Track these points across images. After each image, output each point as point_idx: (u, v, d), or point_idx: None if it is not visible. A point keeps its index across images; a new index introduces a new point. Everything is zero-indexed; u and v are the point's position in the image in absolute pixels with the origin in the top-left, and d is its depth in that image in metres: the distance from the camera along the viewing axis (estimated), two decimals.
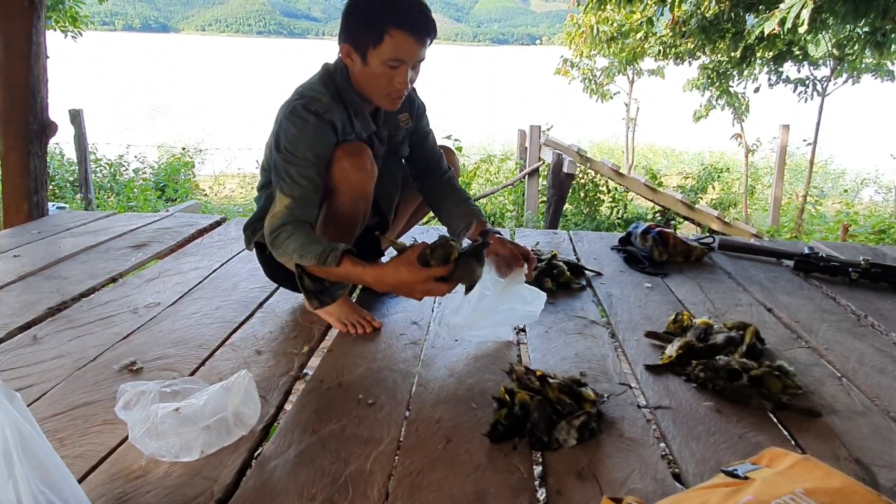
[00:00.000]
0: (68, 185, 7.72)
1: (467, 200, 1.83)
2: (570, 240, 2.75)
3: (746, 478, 0.86)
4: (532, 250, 2.29)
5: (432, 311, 1.90)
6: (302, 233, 1.51)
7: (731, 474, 0.89)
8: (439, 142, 1.94)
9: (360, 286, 2.09)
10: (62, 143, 7.78)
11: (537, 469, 1.17)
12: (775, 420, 1.33)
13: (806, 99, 7.53)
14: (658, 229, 2.46)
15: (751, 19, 6.13)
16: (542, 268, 2.09)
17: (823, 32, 6.28)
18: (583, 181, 8.05)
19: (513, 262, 1.63)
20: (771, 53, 7.12)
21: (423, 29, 1.52)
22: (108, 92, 23.60)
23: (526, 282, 1.63)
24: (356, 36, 1.53)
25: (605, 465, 1.16)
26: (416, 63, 1.56)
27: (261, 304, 1.92)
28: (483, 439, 1.22)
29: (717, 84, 7.85)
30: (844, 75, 7.35)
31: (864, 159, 11.63)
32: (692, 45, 7.19)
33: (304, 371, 1.54)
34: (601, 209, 8.17)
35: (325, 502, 1.05)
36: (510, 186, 7.75)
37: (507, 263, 1.64)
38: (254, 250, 1.87)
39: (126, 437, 1.18)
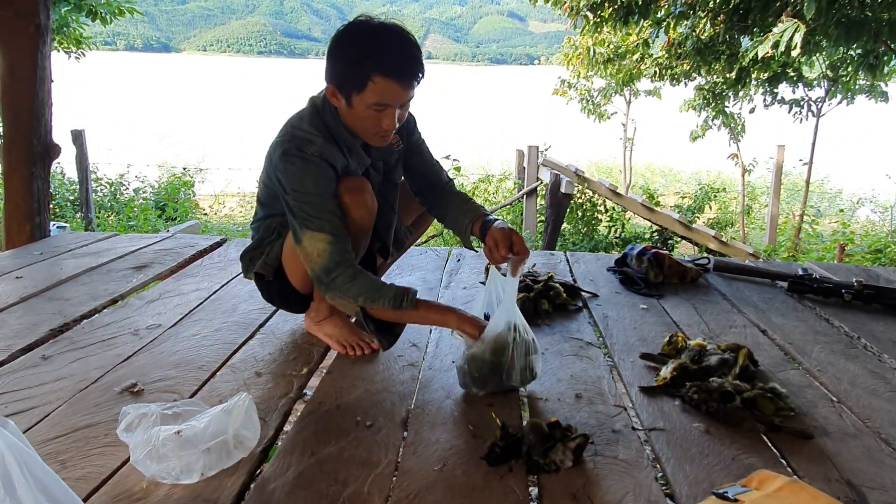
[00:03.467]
0: (69, 204, 7.76)
1: (469, 201, 1.79)
2: (567, 261, 2.77)
3: (736, 500, 0.89)
4: (528, 272, 2.33)
5: (430, 332, 1.92)
6: (362, 276, 1.53)
7: (722, 497, 0.92)
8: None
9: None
10: (63, 162, 7.83)
11: (533, 491, 1.18)
12: (768, 442, 1.35)
13: (801, 119, 7.61)
14: (654, 251, 2.49)
15: (745, 41, 6.21)
16: (539, 289, 2.11)
17: (817, 55, 6.36)
18: (580, 201, 8.10)
19: (502, 245, 1.57)
20: (766, 75, 7.20)
21: (409, 73, 1.47)
22: (110, 111, 23.76)
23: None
24: (339, 78, 1.50)
25: (599, 487, 1.17)
26: (403, 103, 1.52)
27: (260, 326, 1.94)
28: (480, 462, 1.24)
29: (713, 105, 7.93)
30: (839, 96, 7.43)
31: (859, 179, 11.72)
32: (688, 67, 7.27)
33: (304, 392, 1.56)
34: (599, 229, 8.20)
35: None
36: (508, 206, 7.80)
37: (498, 247, 1.58)
38: (253, 279, 1.87)
39: (127, 460, 1.20)
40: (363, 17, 1.51)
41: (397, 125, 1.55)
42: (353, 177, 1.63)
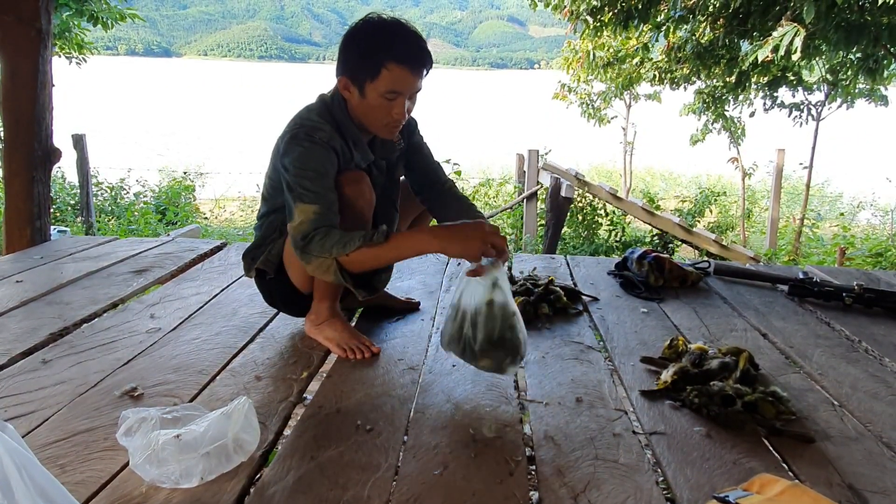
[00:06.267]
0: (69, 208, 7.76)
1: (468, 206, 1.85)
2: (567, 265, 2.77)
3: None
4: (529, 276, 2.32)
5: (430, 337, 1.92)
6: (338, 231, 1.54)
7: (723, 501, 0.91)
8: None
9: (359, 312, 2.12)
10: (64, 166, 7.84)
11: (534, 495, 1.18)
12: (769, 446, 1.34)
13: (801, 123, 7.62)
14: (654, 254, 2.48)
15: (745, 45, 6.22)
16: (539, 293, 2.11)
17: (817, 59, 6.38)
18: (581, 205, 8.10)
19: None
20: (765, 79, 7.21)
21: (420, 61, 1.57)
22: (110, 116, 23.80)
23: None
24: (353, 69, 1.58)
25: (600, 491, 1.17)
26: (412, 93, 1.61)
27: (261, 330, 1.94)
28: (480, 466, 1.24)
29: (713, 108, 7.95)
30: (839, 100, 7.44)
31: (860, 182, 11.72)
32: (687, 71, 7.29)
33: (304, 396, 1.56)
34: (599, 232, 8.21)
35: None
36: (509, 210, 7.80)
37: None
38: (253, 277, 1.89)
39: (126, 464, 1.20)
40: (373, 15, 1.60)
41: (406, 116, 1.62)
42: (353, 170, 1.68)
